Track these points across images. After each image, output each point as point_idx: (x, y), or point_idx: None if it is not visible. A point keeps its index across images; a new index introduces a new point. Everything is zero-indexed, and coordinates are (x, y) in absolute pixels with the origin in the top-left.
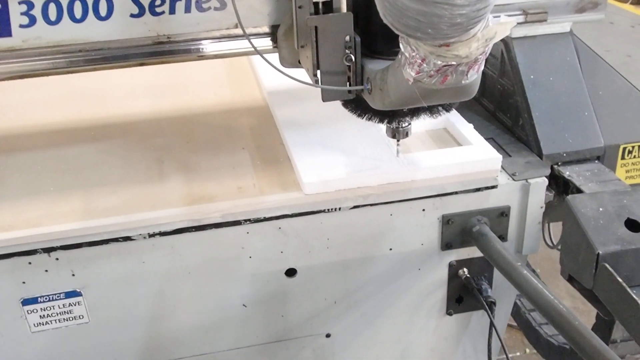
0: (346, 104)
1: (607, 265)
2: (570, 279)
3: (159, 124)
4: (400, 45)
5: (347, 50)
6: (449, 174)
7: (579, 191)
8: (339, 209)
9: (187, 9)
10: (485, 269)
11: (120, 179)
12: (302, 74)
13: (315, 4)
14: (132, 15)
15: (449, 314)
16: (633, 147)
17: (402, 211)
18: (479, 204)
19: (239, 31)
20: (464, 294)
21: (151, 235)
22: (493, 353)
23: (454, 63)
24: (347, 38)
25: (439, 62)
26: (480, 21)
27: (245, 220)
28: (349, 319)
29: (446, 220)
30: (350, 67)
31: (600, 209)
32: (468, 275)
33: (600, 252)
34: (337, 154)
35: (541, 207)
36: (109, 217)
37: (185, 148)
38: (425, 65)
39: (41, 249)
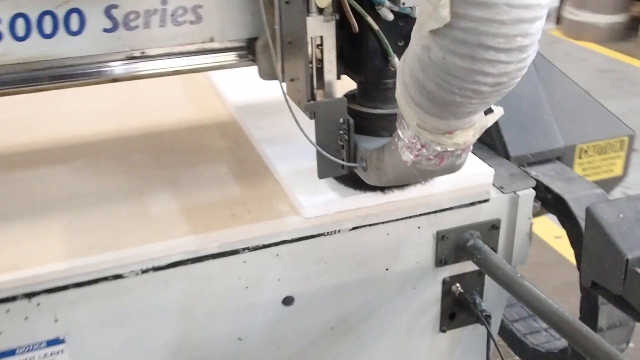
0: (338, 178)
1: (637, 270)
2: (594, 286)
3: (127, 148)
4: (399, 132)
5: (340, 131)
6: (444, 189)
7: (548, 189)
8: (338, 231)
9: (162, 23)
10: (477, 282)
11: (101, 210)
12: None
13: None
14: (106, 30)
15: (443, 330)
16: (588, 147)
17: (399, 230)
18: (472, 219)
19: (214, 45)
20: (456, 310)
21: (144, 271)
22: None
23: (452, 149)
24: (341, 120)
25: (438, 149)
26: (516, 81)
27: (244, 249)
28: (346, 344)
29: (441, 237)
30: (343, 146)
31: (621, 215)
32: (462, 291)
33: (630, 257)
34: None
35: (529, 219)
36: (98, 254)
37: (164, 174)
38: (424, 150)
39: (22, 294)
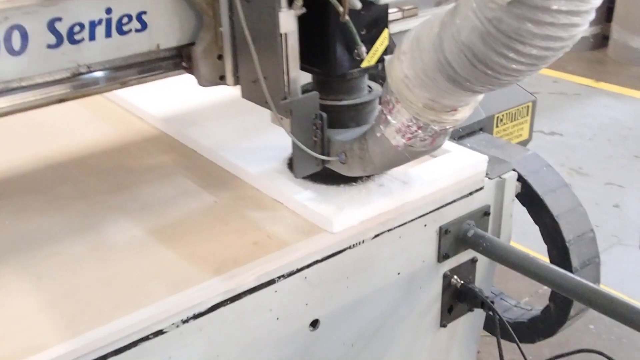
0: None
1: None
2: None
3: (54, 178)
4: (388, 117)
5: (314, 127)
6: (448, 183)
7: None
8: (362, 242)
9: (108, 34)
10: (471, 271)
11: (90, 255)
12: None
13: None
14: (49, 46)
15: (443, 325)
16: (503, 115)
17: (409, 231)
18: (467, 208)
19: (162, 54)
20: (453, 303)
21: (184, 321)
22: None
23: (448, 127)
24: (314, 115)
25: (437, 128)
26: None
27: (280, 277)
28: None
29: (443, 231)
30: (316, 141)
31: None
32: (462, 282)
33: None
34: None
35: (513, 200)
36: (134, 312)
37: (136, 206)
38: (420, 132)
39: None
